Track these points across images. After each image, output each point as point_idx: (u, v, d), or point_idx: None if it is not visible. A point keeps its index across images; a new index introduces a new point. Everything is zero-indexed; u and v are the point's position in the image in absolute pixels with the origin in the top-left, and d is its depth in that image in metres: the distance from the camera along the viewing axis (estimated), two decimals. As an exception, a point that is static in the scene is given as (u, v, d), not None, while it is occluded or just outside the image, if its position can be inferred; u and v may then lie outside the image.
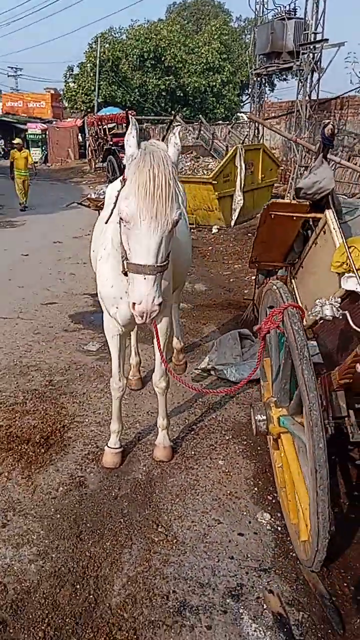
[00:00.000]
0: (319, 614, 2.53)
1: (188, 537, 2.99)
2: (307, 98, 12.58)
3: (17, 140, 16.14)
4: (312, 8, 12.23)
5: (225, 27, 34.51)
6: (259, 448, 3.84)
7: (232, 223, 12.17)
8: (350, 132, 13.15)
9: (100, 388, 4.71)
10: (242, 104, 37.51)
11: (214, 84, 32.87)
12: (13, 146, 15.80)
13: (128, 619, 2.50)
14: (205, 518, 3.15)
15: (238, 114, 31.86)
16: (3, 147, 35.03)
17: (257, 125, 15.15)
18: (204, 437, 3.98)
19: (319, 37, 12.37)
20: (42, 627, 2.45)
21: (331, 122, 3.01)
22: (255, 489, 3.43)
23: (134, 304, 2.43)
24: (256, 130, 15.31)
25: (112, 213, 2.84)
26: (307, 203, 3.22)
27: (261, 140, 15.10)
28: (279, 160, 14.17)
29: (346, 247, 2.71)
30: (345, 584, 2.70)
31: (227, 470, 3.60)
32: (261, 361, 2.89)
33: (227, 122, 20.24)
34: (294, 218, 3.23)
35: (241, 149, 11.97)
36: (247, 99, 39.85)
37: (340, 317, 2.53)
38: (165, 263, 2.43)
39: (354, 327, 2.45)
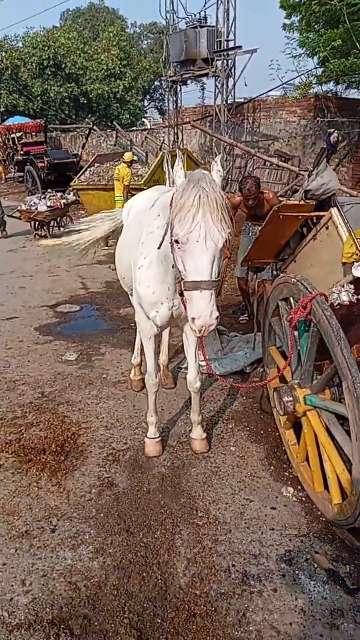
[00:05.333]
0: (364, 564, 2.87)
1: (228, 517, 3.24)
2: (224, 103, 13.11)
3: None
4: (223, 16, 12.83)
5: (123, 33, 34.78)
6: (262, 432, 4.16)
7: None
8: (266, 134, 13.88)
9: (94, 394, 4.82)
10: (145, 109, 38.01)
11: (117, 90, 33.04)
12: None
13: (201, 595, 2.71)
14: (237, 498, 3.41)
15: (143, 119, 32.25)
16: None
17: (175, 130, 15.56)
18: (208, 428, 4.23)
19: (231, 44, 12.96)
20: (125, 615, 2.60)
21: (336, 131, 3.37)
22: (272, 467, 3.73)
23: (192, 318, 2.60)
24: (175, 136, 15.72)
25: (165, 232, 2.89)
26: (313, 203, 3.59)
27: (181, 145, 15.53)
28: (201, 163, 14.65)
29: (355, 239, 3.09)
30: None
31: (241, 455, 3.88)
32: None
33: (143, 128, 20.50)
34: (299, 217, 3.58)
35: (167, 154, 12.28)
36: (150, 104, 40.60)
37: (356, 301, 2.89)
38: (218, 279, 2.65)
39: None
